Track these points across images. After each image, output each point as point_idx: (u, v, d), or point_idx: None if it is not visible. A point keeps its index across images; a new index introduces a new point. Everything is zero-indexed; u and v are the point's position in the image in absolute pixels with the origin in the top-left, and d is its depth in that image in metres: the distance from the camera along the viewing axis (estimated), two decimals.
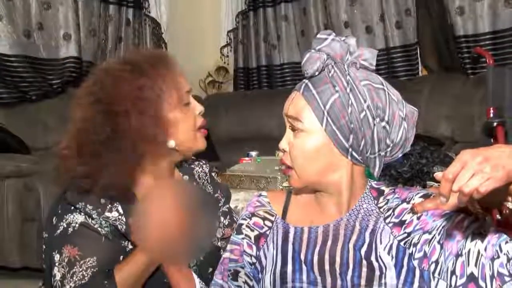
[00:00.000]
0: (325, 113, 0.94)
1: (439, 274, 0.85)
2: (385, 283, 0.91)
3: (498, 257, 0.78)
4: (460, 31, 2.92)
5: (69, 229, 1.08)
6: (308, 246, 0.98)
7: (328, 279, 0.94)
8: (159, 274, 1.10)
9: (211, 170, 1.34)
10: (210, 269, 1.17)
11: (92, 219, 1.09)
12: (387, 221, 0.97)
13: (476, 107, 2.71)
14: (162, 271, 1.10)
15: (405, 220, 0.95)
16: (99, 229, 1.09)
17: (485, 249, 0.79)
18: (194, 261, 1.18)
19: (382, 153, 0.98)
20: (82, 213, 1.09)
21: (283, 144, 1.00)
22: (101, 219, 1.09)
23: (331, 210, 1.01)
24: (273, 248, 1.02)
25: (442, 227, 0.88)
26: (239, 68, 4.32)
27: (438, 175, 0.70)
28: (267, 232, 1.05)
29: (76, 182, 1.10)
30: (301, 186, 1.01)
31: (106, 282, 1.02)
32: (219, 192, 1.31)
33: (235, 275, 1.05)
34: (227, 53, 4.42)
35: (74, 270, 1.04)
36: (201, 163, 1.32)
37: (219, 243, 1.23)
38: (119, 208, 1.11)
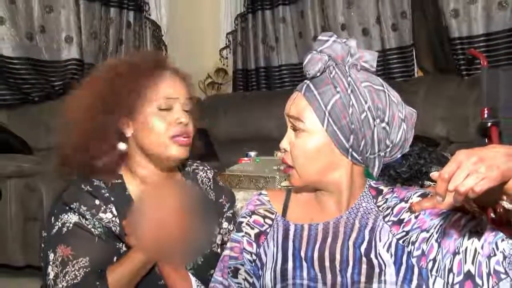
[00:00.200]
0: (327, 114, 0.95)
1: (436, 272, 0.86)
2: (385, 280, 0.91)
3: (495, 255, 0.78)
4: (454, 33, 2.92)
5: (64, 228, 1.08)
6: (308, 243, 0.99)
7: (328, 276, 0.94)
8: (154, 276, 1.09)
9: (215, 175, 1.32)
10: (211, 271, 1.15)
11: (86, 219, 1.09)
12: (386, 219, 0.97)
13: (471, 108, 2.72)
14: (156, 273, 1.09)
15: (403, 219, 0.95)
16: (93, 229, 1.09)
17: (482, 247, 0.80)
18: (191, 263, 1.17)
19: (382, 154, 0.98)
20: (76, 214, 1.09)
21: (284, 143, 1.00)
22: (94, 220, 1.09)
23: (331, 208, 1.01)
24: (274, 246, 1.02)
25: (440, 226, 0.88)
26: (238, 69, 4.33)
27: (434, 175, 0.71)
28: (267, 230, 1.05)
29: (76, 181, 1.13)
30: (302, 185, 1.01)
31: (98, 283, 1.02)
32: (223, 197, 1.29)
33: (235, 272, 1.04)
34: (226, 55, 4.43)
35: (67, 269, 1.04)
36: (205, 168, 1.30)
37: (218, 250, 1.21)
38: (113, 209, 1.11)
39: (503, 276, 0.77)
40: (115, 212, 1.11)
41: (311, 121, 0.96)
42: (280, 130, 1.05)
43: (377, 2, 3.40)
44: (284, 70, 4.04)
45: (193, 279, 1.12)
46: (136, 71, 1.15)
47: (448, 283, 0.83)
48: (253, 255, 1.05)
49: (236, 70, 4.36)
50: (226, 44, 4.41)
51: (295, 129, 0.99)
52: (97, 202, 1.11)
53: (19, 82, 3.13)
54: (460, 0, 2.89)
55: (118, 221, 1.11)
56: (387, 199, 1.01)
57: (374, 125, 0.95)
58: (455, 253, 0.83)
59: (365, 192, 1.02)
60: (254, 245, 1.05)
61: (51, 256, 1.06)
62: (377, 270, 0.92)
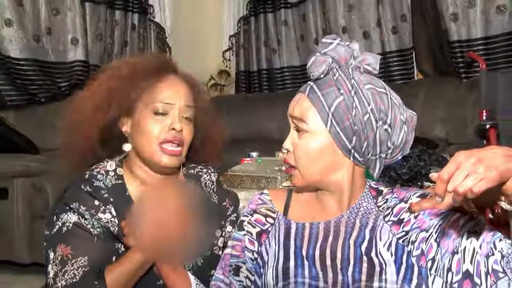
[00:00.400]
0: (330, 115, 0.96)
1: (435, 271, 0.86)
2: (385, 279, 0.91)
3: (493, 254, 0.79)
4: (454, 36, 2.93)
5: (63, 228, 1.09)
6: (310, 241, 0.99)
7: (330, 274, 0.94)
8: (152, 276, 1.09)
9: (219, 178, 1.31)
10: (211, 272, 1.15)
11: (85, 219, 1.09)
12: (386, 219, 0.98)
13: (470, 110, 2.72)
14: (155, 273, 1.09)
15: (403, 219, 0.96)
16: (92, 229, 1.09)
17: (480, 247, 0.81)
18: (191, 264, 1.17)
19: (383, 155, 0.99)
20: (76, 213, 1.10)
21: (287, 144, 1.01)
22: (93, 220, 1.09)
23: (332, 207, 1.02)
24: (275, 244, 1.02)
25: (439, 226, 0.89)
26: (241, 71, 4.34)
27: (433, 175, 0.71)
28: (269, 229, 1.05)
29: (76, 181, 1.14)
30: (304, 185, 1.02)
31: (96, 282, 1.02)
32: (227, 200, 1.28)
33: (236, 270, 1.04)
34: (229, 57, 4.44)
35: (66, 268, 1.04)
36: (209, 171, 1.29)
37: (220, 252, 1.20)
38: (112, 210, 1.11)
39: (501, 275, 0.78)
40: (114, 213, 1.11)
41: (315, 122, 0.97)
42: (281, 131, 1.07)
43: (377, 5, 3.40)
44: (286, 72, 4.04)
45: (192, 277, 1.11)
46: (137, 72, 1.16)
47: (447, 282, 0.84)
48: (254, 253, 1.05)
49: (238, 72, 4.37)
50: (229, 46, 4.43)
51: (298, 130, 1.00)
52: (96, 202, 1.11)
53: (26, 83, 3.15)
54: (459, 4, 2.90)
55: (116, 222, 1.11)
56: (387, 199, 1.01)
57: (377, 127, 0.96)
58: (454, 253, 0.84)
59: (365, 192, 1.03)
60: (256, 243, 1.05)
61: (52, 255, 1.07)
62: (377, 269, 0.92)
